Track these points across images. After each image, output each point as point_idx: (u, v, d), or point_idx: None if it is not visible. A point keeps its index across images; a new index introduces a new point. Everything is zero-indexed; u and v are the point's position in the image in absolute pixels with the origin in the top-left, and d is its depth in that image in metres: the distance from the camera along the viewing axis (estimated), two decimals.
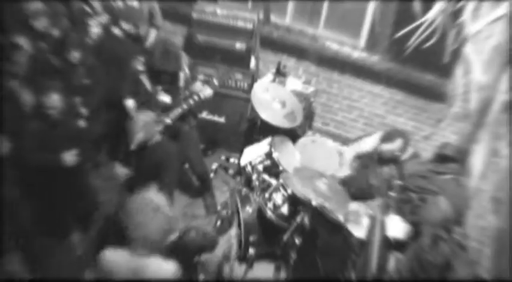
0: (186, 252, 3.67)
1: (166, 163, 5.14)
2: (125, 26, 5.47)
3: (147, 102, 5.21)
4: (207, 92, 5.32)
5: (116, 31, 5.49)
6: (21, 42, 4.66)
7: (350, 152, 5.66)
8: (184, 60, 5.37)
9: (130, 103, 5.19)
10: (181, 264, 3.45)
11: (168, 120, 5.17)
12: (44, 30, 4.88)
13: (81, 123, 4.74)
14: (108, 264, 3.28)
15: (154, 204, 3.31)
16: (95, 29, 5.50)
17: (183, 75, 5.30)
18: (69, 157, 4.52)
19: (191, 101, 5.22)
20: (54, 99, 4.42)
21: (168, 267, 3.28)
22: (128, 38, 5.52)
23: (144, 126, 5.06)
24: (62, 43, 5.06)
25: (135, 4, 5.74)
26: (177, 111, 5.20)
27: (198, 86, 5.40)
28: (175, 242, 3.60)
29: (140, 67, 5.24)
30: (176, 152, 5.28)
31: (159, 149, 5.14)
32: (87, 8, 5.51)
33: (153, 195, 3.40)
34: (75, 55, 5.08)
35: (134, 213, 3.29)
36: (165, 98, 5.24)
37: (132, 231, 3.28)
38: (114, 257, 3.30)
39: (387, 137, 5.21)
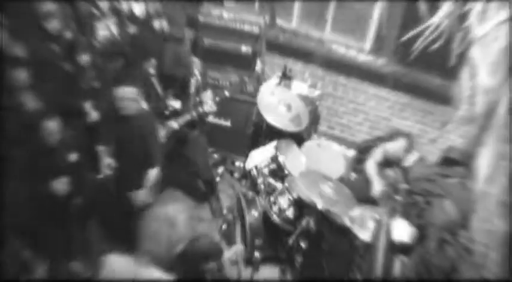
0: (193, 260, 3.66)
1: (148, 134, 4.85)
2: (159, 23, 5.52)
3: (157, 106, 5.22)
4: (210, 107, 5.30)
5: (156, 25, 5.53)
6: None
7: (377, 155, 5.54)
8: (197, 66, 5.37)
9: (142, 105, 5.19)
10: (189, 273, 3.46)
11: (175, 125, 5.18)
12: (57, 31, 4.87)
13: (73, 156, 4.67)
14: (110, 269, 3.28)
15: (170, 220, 3.33)
16: (102, 32, 5.52)
17: (195, 81, 5.31)
18: (60, 185, 4.49)
19: (194, 113, 5.22)
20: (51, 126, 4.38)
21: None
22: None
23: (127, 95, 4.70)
24: (71, 46, 5.08)
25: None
26: (186, 118, 5.20)
27: (208, 95, 5.40)
28: (184, 251, 3.61)
29: (152, 70, 5.25)
30: (155, 122, 5.01)
31: (139, 120, 4.82)
32: (94, 11, 5.53)
33: (170, 209, 3.42)
34: (84, 58, 5.09)
35: (150, 225, 3.31)
36: (175, 103, 5.26)
37: (143, 241, 3.30)
38: (118, 263, 3.30)
39: (389, 138, 5.20)
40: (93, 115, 5.05)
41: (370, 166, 5.36)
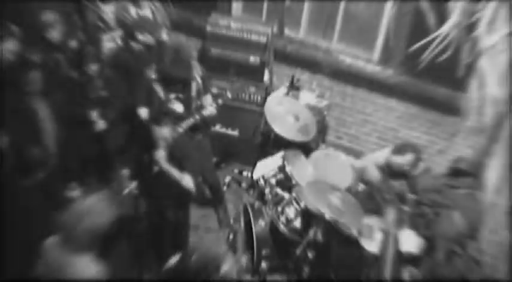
0: (187, 275, 3.51)
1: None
2: (141, 36, 5.49)
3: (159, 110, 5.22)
4: (209, 110, 5.28)
5: (133, 43, 5.51)
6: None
7: (360, 164, 5.58)
8: (197, 69, 5.36)
9: (144, 112, 5.19)
10: None
11: (179, 130, 5.18)
12: (59, 41, 4.91)
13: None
14: None
15: None
16: (108, 44, 5.55)
17: (195, 84, 5.30)
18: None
19: (198, 116, 5.21)
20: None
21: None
22: (144, 49, 5.54)
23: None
24: (78, 55, 5.10)
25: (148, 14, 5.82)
26: (189, 121, 5.19)
27: (208, 99, 5.38)
28: (176, 266, 3.54)
29: (153, 75, 5.25)
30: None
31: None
32: (100, 23, 5.56)
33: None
34: (91, 68, 5.11)
35: None
36: (178, 107, 5.24)
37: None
38: None
39: (398, 150, 5.15)
40: (100, 124, 5.08)
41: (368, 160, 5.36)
